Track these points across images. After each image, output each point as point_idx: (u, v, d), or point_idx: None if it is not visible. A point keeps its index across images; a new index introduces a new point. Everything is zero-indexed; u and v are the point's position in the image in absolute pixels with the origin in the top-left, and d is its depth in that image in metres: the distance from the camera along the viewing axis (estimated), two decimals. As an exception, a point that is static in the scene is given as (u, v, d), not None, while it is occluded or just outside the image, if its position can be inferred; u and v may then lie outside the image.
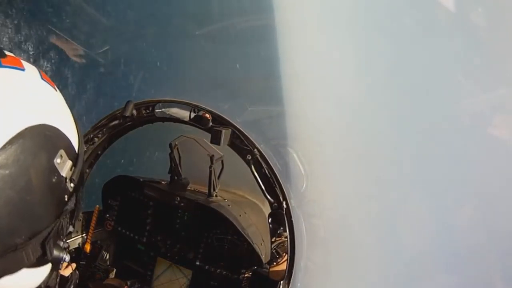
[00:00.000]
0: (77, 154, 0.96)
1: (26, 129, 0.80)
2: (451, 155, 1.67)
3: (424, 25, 1.70)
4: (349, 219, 1.89)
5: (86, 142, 2.36)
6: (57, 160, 0.87)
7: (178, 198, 2.46)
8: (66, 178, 0.91)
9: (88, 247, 2.48)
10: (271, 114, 2.09)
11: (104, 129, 2.39)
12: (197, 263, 2.44)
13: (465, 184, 1.64)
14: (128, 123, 2.38)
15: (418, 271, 1.77)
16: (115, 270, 2.65)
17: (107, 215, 2.64)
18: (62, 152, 0.89)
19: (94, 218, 2.53)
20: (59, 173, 0.89)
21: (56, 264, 0.95)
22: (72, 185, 0.93)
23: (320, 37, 1.87)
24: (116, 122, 2.35)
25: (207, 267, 2.43)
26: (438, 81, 1.69)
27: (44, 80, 0.92)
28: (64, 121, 0.93)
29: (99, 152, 2.51)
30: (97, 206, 2.59)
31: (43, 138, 0.84)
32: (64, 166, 0.90)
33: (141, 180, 2.57)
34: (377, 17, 1.77)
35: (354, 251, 1.89)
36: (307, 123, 1.99)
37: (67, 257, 0.96)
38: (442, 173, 1.67)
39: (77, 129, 1.00)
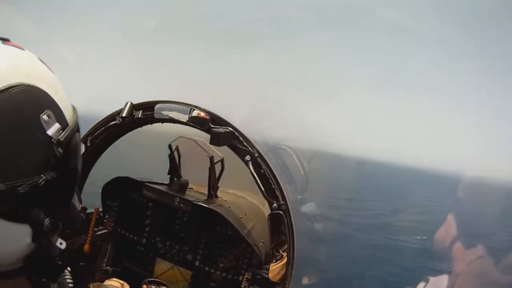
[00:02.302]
0: (67, 123, 0.94)
1: (15, 86, 0.81)
2: (453, 158, 1.67)
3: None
4: (349, 219, 1.89)
5: (85, 143, 2.35)
6: (44, 117, 0.86)
7: (178, 199, 2.45)
8: (53, 139, 0.88)
9: (87, 248, 2.47)
10: (270, 114, 2.09)
11: (104, 130, 2.39)
12: (197, 264, 2.44)
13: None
14: (127, 124, 2.37)
15: (417, 271, 1.77)
16: (114, 271, 2.64)
17: (107, 216, 2.63)
18: (49, 112, 0.88)
19: (93, 219, 2.52)
20: (44, 131, 0.86)
21: (37, 228, 0.87)
22: (60, 150, 0.89)
23: (319, 38, 1.87)
24: (115, 122, 2.35)
25: (206, 268, 2.42)
26: (438, 80, 1.69)
27: (41, 61, 0.95)
28: (57, 93, 0.93)
29: (99, 152, 2.51)
30: (96, 206, 2.57)
31: (30, 94, 0.85)
32: (52, 127, 0.88)
33: (140, 181, 2.56)
34: (376, 16, 1.76)
35: (354, 250, 1.89)
36: (307, 124, 1.99)
37: (47, 222, 0.86)
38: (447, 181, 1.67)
39: (73, 108, 0.99)
